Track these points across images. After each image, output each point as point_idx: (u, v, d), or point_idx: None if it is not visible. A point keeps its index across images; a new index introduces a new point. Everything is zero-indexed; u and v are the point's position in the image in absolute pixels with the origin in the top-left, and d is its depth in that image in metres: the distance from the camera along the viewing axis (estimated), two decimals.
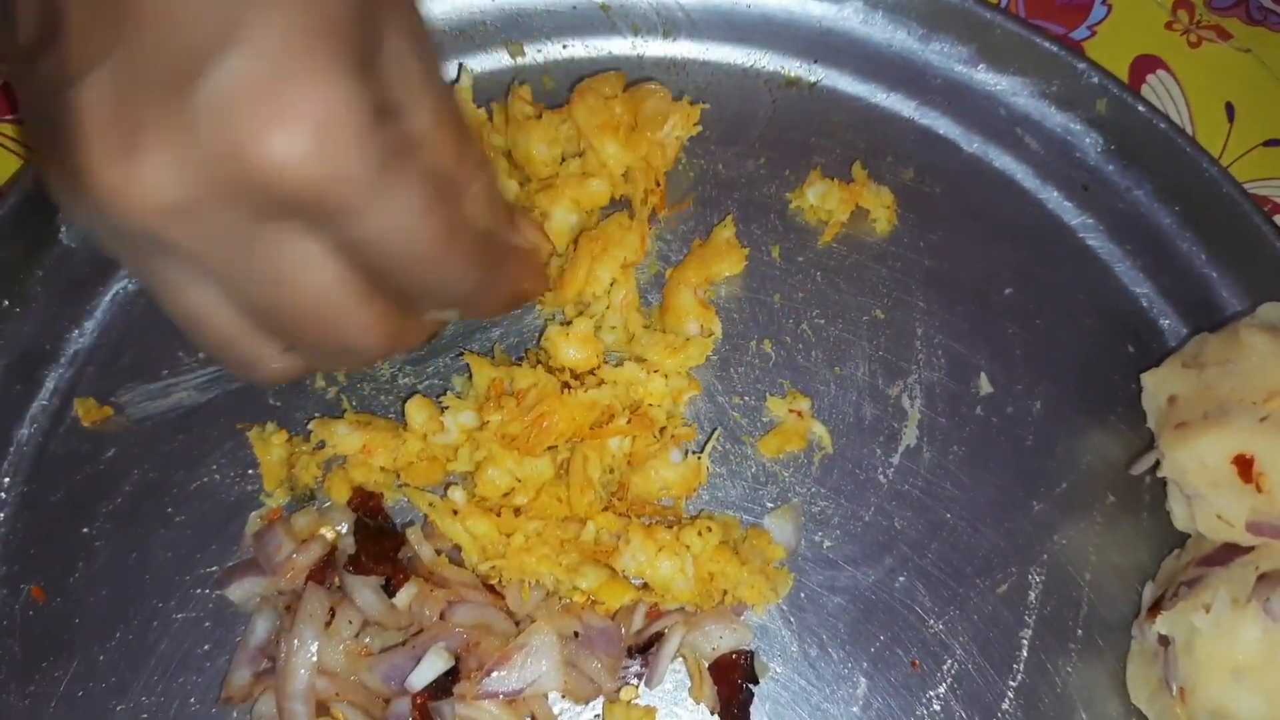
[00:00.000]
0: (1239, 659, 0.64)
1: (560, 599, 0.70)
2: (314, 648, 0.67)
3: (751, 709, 0.69)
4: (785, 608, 0.73)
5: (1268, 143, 0.90)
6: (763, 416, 0.78)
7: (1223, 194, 0.81)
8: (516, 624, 0.69)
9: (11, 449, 0.76)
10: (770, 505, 0.76)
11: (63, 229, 0.79)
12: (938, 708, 0.71)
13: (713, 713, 0.70)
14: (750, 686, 0.68)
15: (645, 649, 0.69)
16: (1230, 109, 0.91)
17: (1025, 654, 0.73)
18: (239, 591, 0.72)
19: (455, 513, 0.70)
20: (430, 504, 0.71)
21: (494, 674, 0.65)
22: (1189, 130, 0.90)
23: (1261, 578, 0.65)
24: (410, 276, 0.53)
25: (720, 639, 0.68)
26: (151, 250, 0.49)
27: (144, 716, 0.69)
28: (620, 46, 0.86)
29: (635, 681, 0.69)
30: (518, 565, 0.69)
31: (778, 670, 0.71)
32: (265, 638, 0.70)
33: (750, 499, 0.76)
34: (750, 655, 0.69)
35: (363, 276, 0.52)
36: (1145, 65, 0.93)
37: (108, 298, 0.80)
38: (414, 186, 0.49)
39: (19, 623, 0.72)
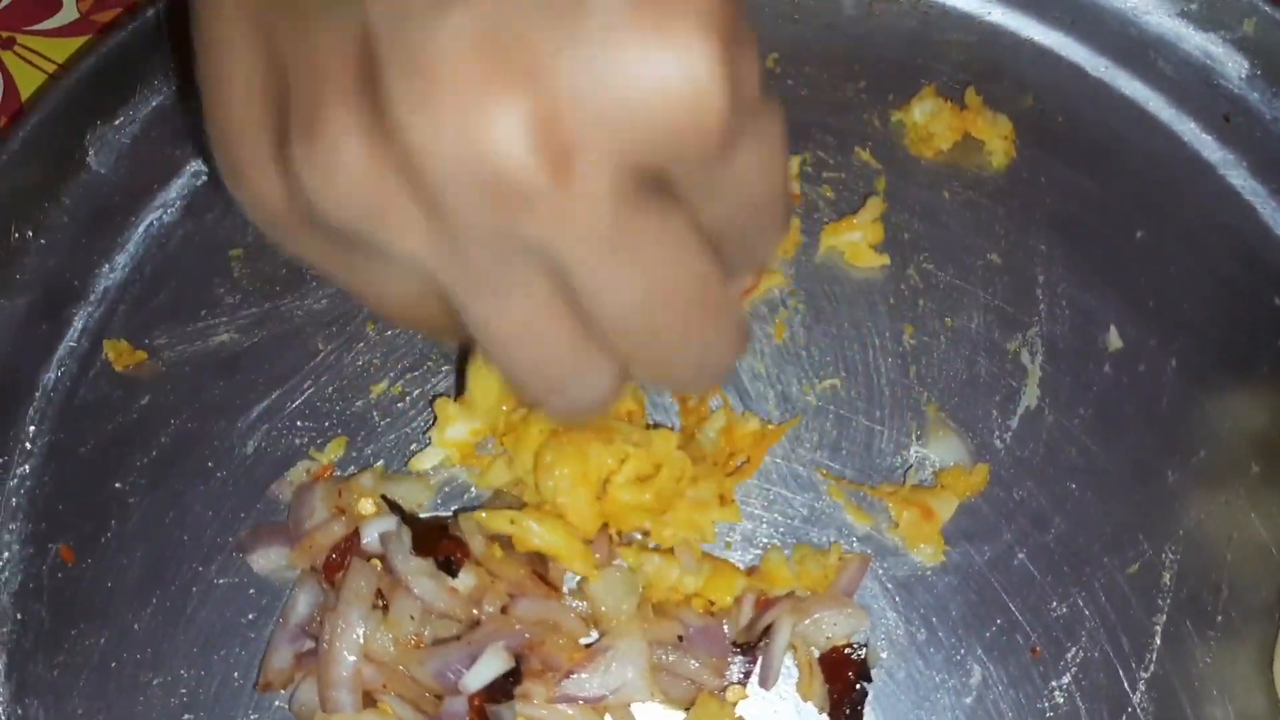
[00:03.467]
0: None
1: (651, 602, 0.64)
2: (360, 631, 0.61)
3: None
4: (891, 588, 0.67)
5: None
6: None
7: None
8: (584, 622, 0.63)
9: (38, 395, 0.71)
10: None
11: (91, 151, 0.74)
12: (1060, 700, 0.66)
13: (821, 711, 0.64)
14: (864, 685, 0.63)
15: (754, 645, 0.63)
16: None
17: (1159, 642, 0.68)
18: (263, 561, 0.66)
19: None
20: (511, 520, 0.63)
21: (573, 676, 0.60)
22: None
23: None
24: (745, 234, 0.45)
25: (834, 626, 0.63)
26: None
27: (182, 691, 0.65)
28: None
29: (741, 680, 0.63)
30: None
31: (882, 656, 0.66)
32: (307, 614, 0.65)
33: None
34: (864, 649, 0.64)
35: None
36: None
37: (140, 229, 0.75)
38: (776, 134, 0.43)
39: (47, 585, 0.67)
